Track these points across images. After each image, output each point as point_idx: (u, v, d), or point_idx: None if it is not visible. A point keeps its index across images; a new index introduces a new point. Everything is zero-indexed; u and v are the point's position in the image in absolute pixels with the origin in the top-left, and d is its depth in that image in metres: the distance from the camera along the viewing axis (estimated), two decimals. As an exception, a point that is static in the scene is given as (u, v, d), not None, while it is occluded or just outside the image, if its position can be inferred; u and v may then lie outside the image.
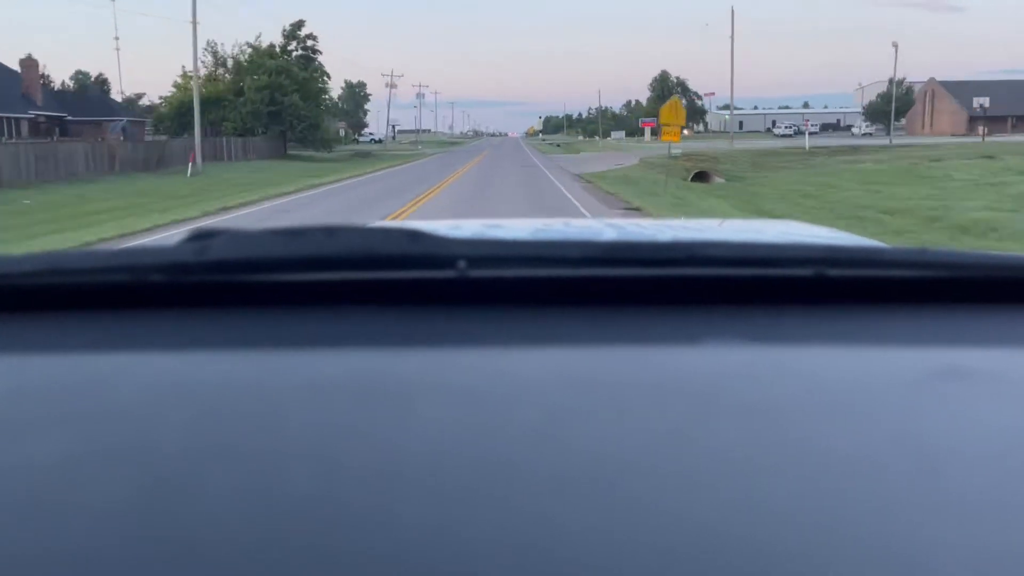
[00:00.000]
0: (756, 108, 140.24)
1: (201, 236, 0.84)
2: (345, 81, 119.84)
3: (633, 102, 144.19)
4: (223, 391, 0.64)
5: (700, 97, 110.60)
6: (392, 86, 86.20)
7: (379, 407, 0.60)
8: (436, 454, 0.53)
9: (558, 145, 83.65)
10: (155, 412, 0.60)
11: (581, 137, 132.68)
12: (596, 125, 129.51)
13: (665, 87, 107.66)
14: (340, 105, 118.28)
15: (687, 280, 0.83)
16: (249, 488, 0.49)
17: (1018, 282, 0.87)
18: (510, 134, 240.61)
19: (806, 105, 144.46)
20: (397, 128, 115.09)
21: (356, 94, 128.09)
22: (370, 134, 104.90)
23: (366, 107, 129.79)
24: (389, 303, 0.82)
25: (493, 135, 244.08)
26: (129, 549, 0.44)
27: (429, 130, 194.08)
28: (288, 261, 0.81)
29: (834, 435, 0.56)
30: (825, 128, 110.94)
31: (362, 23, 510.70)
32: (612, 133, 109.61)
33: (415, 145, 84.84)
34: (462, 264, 0.79)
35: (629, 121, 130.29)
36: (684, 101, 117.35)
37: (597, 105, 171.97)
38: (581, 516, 0.45)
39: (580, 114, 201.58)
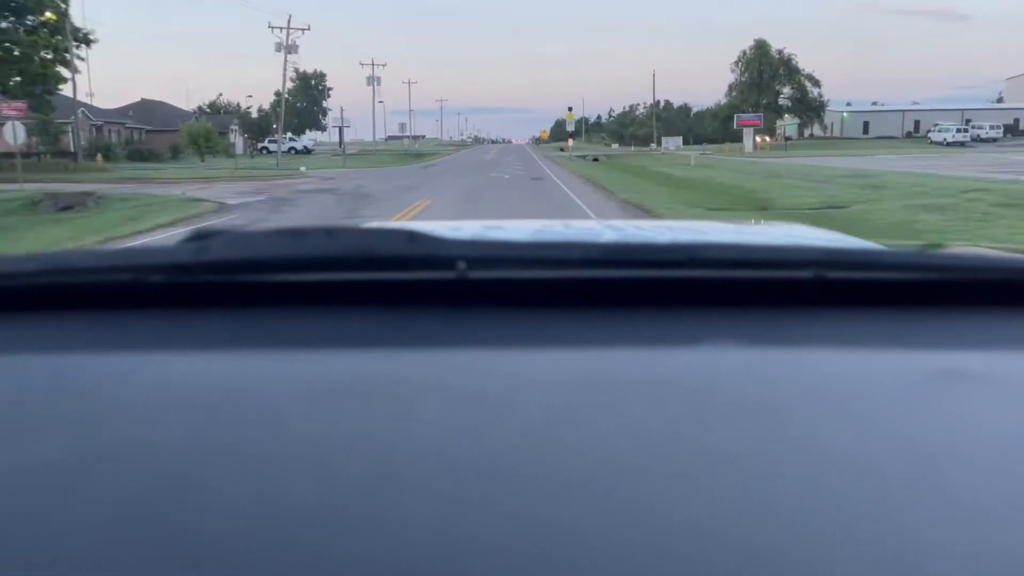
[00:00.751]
0: (849, 105, 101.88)
1: (201, 236, 0.84)
2: (297, 71, 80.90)
3: (661, 103, 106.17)
4: (222, 392, 0.64)
5: (818, 84, 71.02)
6: (290, 47, 47.04)
7: (378, 408, 0.60)
8: (435, 456, 0.53)
9: (595, 159, 45.12)
10: (154, 413, 0.60)
11: (615, 146, 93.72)
12: (647, 127, 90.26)
13: (764, 65, 68.38)
14: (290, 100, 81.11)
15: (687, 282, 0.83)
16: (248, 490, 0.49)
17: (1016, 284, 0.87)
18: (515, 140, 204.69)
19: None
20: (347, 128, 76.27)
21: (311, 87, 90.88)
22: (290, 139, 67.04)
23: (325, 104, 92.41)
24: (389, 304, 0.82)
25: (495, 142, 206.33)
26: (126, 550, 0.44)
27: (422, 136, 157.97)
28: (288, 261, 0.81)
29: (833, 437, 0.56)
30: (1007, 132, 71.45)
31: (361, 22, 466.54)
32: (664, 140, 71.10)
33: (341, 157, 46.29)
34: (462, 265, 0.79)
35: (668, 123, 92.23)
36: (789, 88, 79.17)
37: (641, 101, 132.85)
38: (580, 517, 0.46)
39: (600, 117, 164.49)
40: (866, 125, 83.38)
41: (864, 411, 0.61)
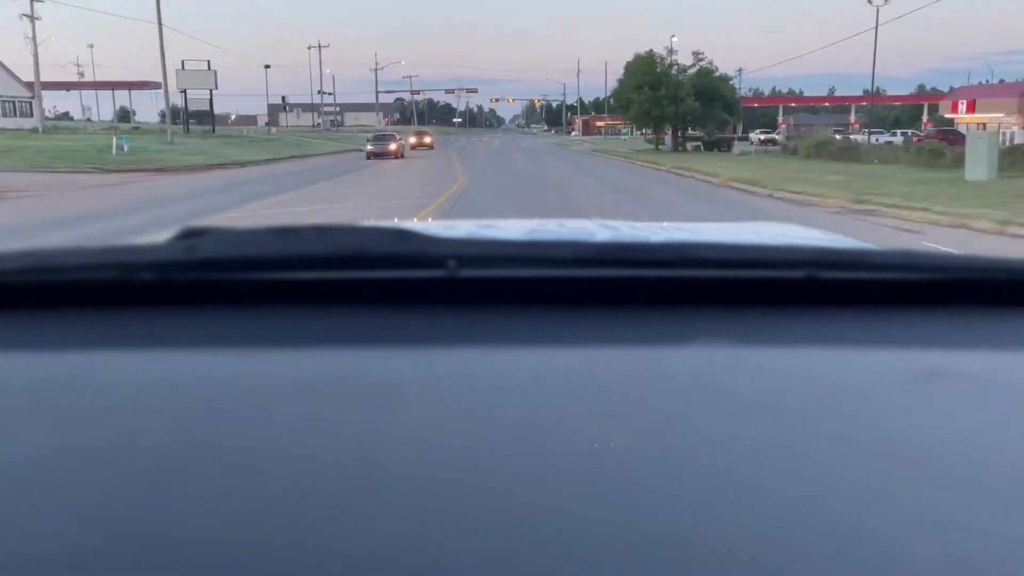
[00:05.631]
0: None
1: (190, 234, 0.83)
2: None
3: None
4: (211, 390, 0.65)
5: None
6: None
7: (367, 406, 0.60)
8: (423, 453, 0.53)
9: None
10: (142, 410, 0.60)
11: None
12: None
13: None
14: None
15: (678, 281, 0.83)
16: (235, 486, 0.49)
17: (1006, 284, 0.88)
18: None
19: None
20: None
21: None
22: None
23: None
24: (379, 302, 0.82)
25: (489, 126, 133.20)
26: (110, 546, 0.43)
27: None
28: (278, 260, 0.81)
29: (822, 435, 0.57)
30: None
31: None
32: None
33: None
34: (452, 264, 0.79)
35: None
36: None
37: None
38: (569, 514, 0.46)
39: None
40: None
41: (855, 409, 0.62)
